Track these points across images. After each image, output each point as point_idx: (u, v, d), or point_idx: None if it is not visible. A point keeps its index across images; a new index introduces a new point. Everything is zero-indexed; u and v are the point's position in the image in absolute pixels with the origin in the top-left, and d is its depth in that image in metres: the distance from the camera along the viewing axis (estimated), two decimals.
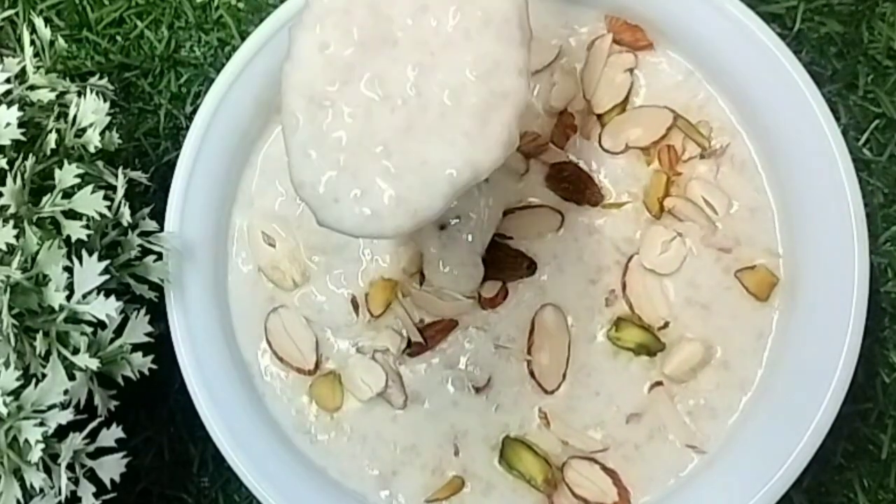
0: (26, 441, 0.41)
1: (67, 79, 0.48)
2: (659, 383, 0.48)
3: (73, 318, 0.42)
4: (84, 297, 0.42)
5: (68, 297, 0.42)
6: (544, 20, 0.50)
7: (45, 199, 0.43)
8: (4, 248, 0.41)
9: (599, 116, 0.50)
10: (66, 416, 0.42)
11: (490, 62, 0.39)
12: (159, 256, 0.47)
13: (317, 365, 0.50)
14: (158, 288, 0.47)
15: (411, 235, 0.49)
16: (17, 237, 0.41)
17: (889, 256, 0.51)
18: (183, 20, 0.55)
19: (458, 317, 0.49)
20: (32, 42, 0.47)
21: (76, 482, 0.43)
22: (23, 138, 0.43)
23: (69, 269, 0.42)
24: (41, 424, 0.41)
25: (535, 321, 0.49)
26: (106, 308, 0.42)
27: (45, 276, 0.42)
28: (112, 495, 0.44)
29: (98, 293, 0.42)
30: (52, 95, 0.46)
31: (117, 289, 0.45)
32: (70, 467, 0.42)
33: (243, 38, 0.51)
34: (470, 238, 0.48)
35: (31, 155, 0.43)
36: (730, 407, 0.48)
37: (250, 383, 0.50)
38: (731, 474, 0.47)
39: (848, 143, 0.46)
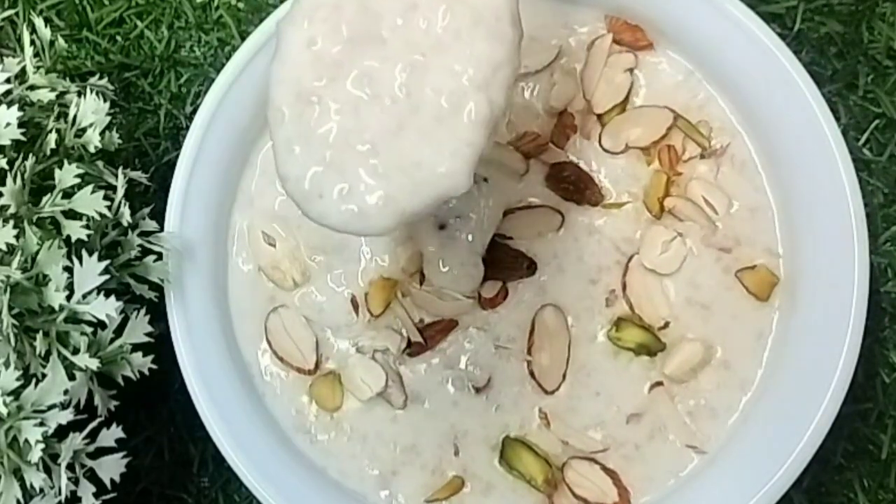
0: (26, 441, 0.41)
1: (67, 79, 0.48)
2: (659, 383, 0.48)
3: (73, 318, 0.42)
4: (84, 297, 0.42)
5: (68, 297, 0.42)
6: (544, 20, 0.50)
7: (45, 199, 0.43)
8: (4, 248, 0.41)
9: (599, 116, 0.50)
10: (66, 416, 0.42)
11: (483, 64, 0.39)
12: (159, 256, 0.47)
13: (317, 365, 0.50)
14: (158, 288, 0.47)
15: (410, 235, 0.49)
16: (17, 237, 0.41)
17: (889, 256, 0.51)
18: (183, 20, 0.55)
19: (458, 317, 0.49)
20: (32, 42, 0.47)
21: (76, 482, 0.43)
22: (23, 138, 0.43)
23: (69, 269, 0.42)
24: (41, 424, 0.41)
25: (535, 321, 0.49)
26: (106, 308, 0.42)
27: (45, 276, 0.42)
28: (112, 495, 0.44)
29: (98, 293, 0.42)
30: (52, 95, 0.46)
31: (117, 289, 0.45)
32: (70, 467, 0.42)
33: (243, 38, 0.51)
34: (470, 238, 0.48)
35: (31, 155, 0.43)
36: (730, 407, 0.48)
37: (250, 383, 0.50)
38: (731, 474, 0.47)
39: (848, 143, 0.46)
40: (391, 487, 0.49)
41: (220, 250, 0.50)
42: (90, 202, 0.43)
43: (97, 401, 0.44)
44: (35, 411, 0.41)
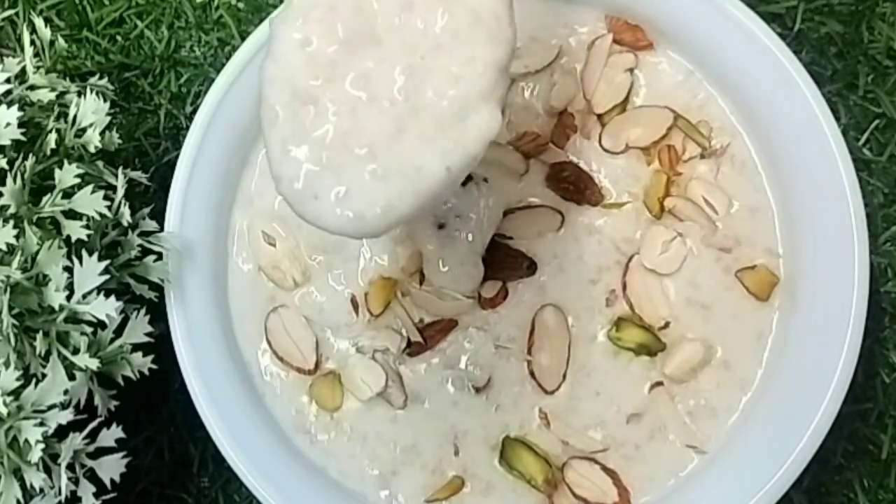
0: (26, 441, 0.41)
1: (67, 79, 0.48)
2: (659, 383, 0.48)
3: (73, 318, 0.42)
4: (84, 297, 0.42)
5: (68, 297, 0.42)
6: (544, 20, 0.50)
7: (45, 199, 0.43)
8: (4, 248, 0.41)
9: (599, 116, 0.50)
10: (66, 416, 0.42)
11: (489, 68, 0.38)
12: (159, 256, 0.47)
13: (317, 365, 0.50)
14: (158, 288, 0.47)
15: (410, 234, 0.49)
16: (17, 237, 0.41)
17: (889, 256, 0.51)
18: (183, 20, 0.55)
19: (458, 317, 0.49)
20: (32, 42, 0.47)
21: (76, 482, 0.43)
22: (23, 138, 0.43)
23: (69, 269, 0.42)
24: (41, 424, 0.41)
25: (535, 321, 0.49)
26: (106, 308, 0.42)
27: (45, 276, 0.42)
28: (112, 495, 0.44)
29: (98, 293, 0.42)
30: (52, 95, 0.46)
31: (117, 289, 0.45)
32: (70, 467, 0.42)
33: (243, 38, 0.51)
34: (470, 238, 0.48)
35: (31, 155, 0.43)
36: (730, 407, 0.48)
37: (250, 383, 0.50)
38: (731, 474, 0.47)
39: (848, 143, 0.46)
40: (391, 487, 0.49)
41: (220, 250, 0.50)
42: (90, 202, 0.43)
43: (97, 401, 0.44)
44: (35, 411, 0.41)
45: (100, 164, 0.46)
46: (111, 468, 0.44)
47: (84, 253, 0.42)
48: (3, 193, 0.42)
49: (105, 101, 0.46)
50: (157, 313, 0.47)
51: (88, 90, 0.46)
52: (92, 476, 0.43)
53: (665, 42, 0.50)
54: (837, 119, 0.48)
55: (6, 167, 0.43)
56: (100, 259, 0.42)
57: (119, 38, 0.55)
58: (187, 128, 0.50)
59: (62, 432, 0.42)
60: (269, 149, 0.39)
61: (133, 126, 0.55)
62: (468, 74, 0.38)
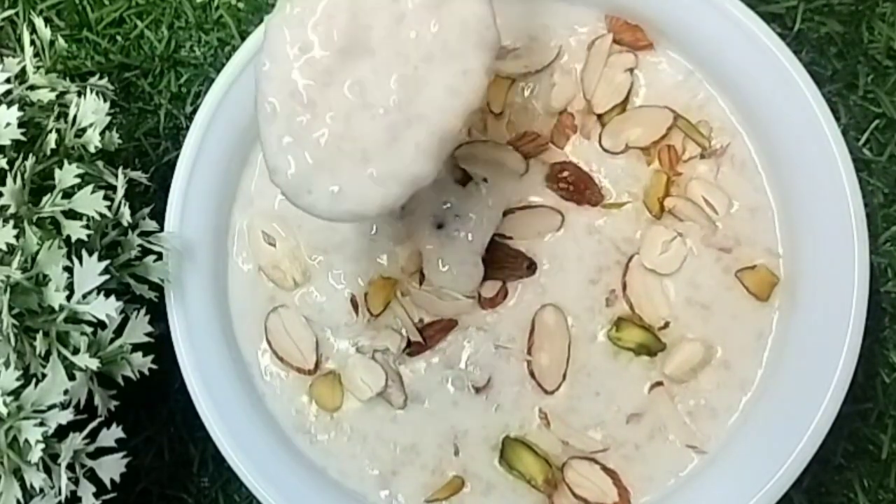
0: (26, 441, 0.41)
1: (67, 79, 0.48)
2: (659, 383, 0.48)
3: (73, 318, 0.42)
4: (84, 297, 0.42)
5: (68, 297, 0.42)
6: (544, 20, 0.50)
7: (45, 199, 0.43)
8: (4, 248, 0.41)
9: (599, 116, 0.50)
10: (66, 416, 0.42)
11: (477, 75, 0.40)
12: (159, 256, 0.47)
13: (317, 365, 0.50)
14: (158, 288, 0.47)
15: (410, 234, 0.49)
16: (17, 237, 0.41)
17: (889, 256, 0.51)
18: (183, 20, 0.55)
19: (458, 317, 0.49)
20: (32, 42, 0.47)
21: (76, 482, 0.43)
22: (23, 138, 0.43)
23: (69, 269, 0.42)
24: (41, 424, 0.41)
25: (535, 321, 0.49)
26: (106, 308, 0.42)
27: (45, 276, 0.42)
28: (112, 495, 0.44)
29: (98, 293, 0.42)
30: (52, 95, 0.46)
31: (117, 289, 0.45)
32: (70, 467, 0.42)
33: (243, 38, 0.51)
34: (469, 237, 0.48)
35: (31, 155, 0.43)
36: (730, 407, 0.48)
37: (250, 383, 0.50)
38: (731, 474, 0.47)
39: (848, 143, 0.46)
40: (391, 487, 0.49)
41: (220, 250, 0.50)
42: (90, 202, 0.43)
43: (97, 401, 0.44)
44: (35, 411, 0.41)
45: (100, 164, 0.46)
46: (111, 468, 0.44)
47: (84, 253, 0.42)
48: (3, 193, 0.42)
49: (105, 101, 0.46)
50: (157, 313, 0.47)
51: (88, 90, 0.46)
52: (92, 476, 0.43)
53: (665, 42, 0.50)
54: (837, 119, 0.48)
55: (6, 167, 0.43)
56: (100, 259, 0.42)
57: (119, 38, 0.55)
58: (187, 128, 0.50)
59: (62, 432, 0.42)
60: (265, 141, 0.41)
61: (133, 126, 0.55)
62: (463, 87, 0.40)
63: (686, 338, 0.48)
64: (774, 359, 0.48)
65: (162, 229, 0.48)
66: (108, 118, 0.46)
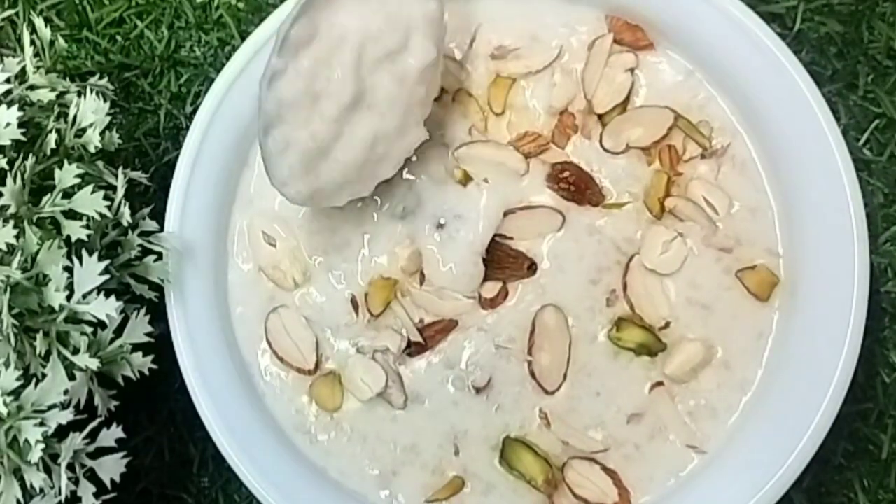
0: (26, 441, 0.41)
1: (67, 79, 0.48)
2: (660, 383, 0.48)
3: (73, 318, 0.42)
4: (84, 297, 0.42)
5: (68, 297, 0.42)
6: (544, 20, 0.50)
7: (45, 199, 0.43)
8: (4, 248, 0.41)
9: (600, 116, 0.50)
10: (66, 416, 0.42)
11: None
12: (159, 256, 0.47)
13: (317, 365, 0.50)
14: (158, 288, 0.47)
15: (409, 234, 0.49)
16: (17, 237, 0.41)
17: (889, 256, 0.51)
18: (183, 20, 0.55)
19: (458, 317, 0.49)
20: (32, 42, 0.47)
21: (76, 482, 0.43)
22: (23, 138, 0.43)
23: (69, 269, 0.42)
24: (41, 424, 0.41)
25: (535, 321, 0.49)
26: (106, 308, 0.42)
27: (45, 276, 0.42)
28: (112, 495, 0.44)
29: (98, 293, 0.42)
30: (52, 95, 0.46)
31: (117, 289, 0.45)
32: (70, 467, 0.42)
33: (243, 38, 0.51)
34: (470, 238, 0.48)
35: (31, 155, 0.43)
36: (730, 407, 0.48)
37: (250, 383, 0.50)
38: (731, 474, 0.47)
39: (848, 143, 0.46)
40: (391, 487, 0.49)
41: (220, 250, 0.50)
42: (90, 202, 0.43)
43: (97, 401, 0.44)
44: (35, 411, 0.41)
45: (100, 164, 0.46)
46: (111, 468, 0.44)
47: (84, 253, 0.42)
48: (3, 193, 0.42)
49: (105, 101, 0.46)
50: (157, 313, 0.47)
51: (88, 90, 0.46)
52: (92, 476, 0.43)
53: (665, 42, 0.50)
54: (837, 119, 0.48)
55: (6, 167, 0.43)
56: (100, 259, 0.42)
57: (119, 38, 0.55)
58: (187, 128, 0.50)
59: (62, 432, 0.42)
60: (264, 139, 0.44)
61: (133, 126, 0.55)
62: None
63: (686, 338, 0.48)
64: (774, 359, 0.48)
65: (162, 229, 0.48)
66: (108, 118, 0.46)
